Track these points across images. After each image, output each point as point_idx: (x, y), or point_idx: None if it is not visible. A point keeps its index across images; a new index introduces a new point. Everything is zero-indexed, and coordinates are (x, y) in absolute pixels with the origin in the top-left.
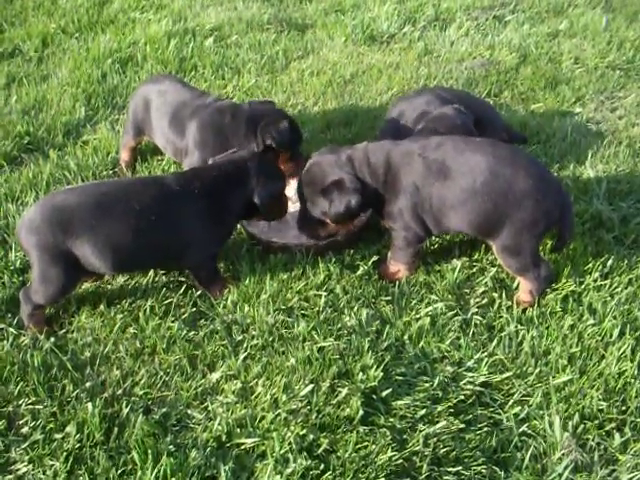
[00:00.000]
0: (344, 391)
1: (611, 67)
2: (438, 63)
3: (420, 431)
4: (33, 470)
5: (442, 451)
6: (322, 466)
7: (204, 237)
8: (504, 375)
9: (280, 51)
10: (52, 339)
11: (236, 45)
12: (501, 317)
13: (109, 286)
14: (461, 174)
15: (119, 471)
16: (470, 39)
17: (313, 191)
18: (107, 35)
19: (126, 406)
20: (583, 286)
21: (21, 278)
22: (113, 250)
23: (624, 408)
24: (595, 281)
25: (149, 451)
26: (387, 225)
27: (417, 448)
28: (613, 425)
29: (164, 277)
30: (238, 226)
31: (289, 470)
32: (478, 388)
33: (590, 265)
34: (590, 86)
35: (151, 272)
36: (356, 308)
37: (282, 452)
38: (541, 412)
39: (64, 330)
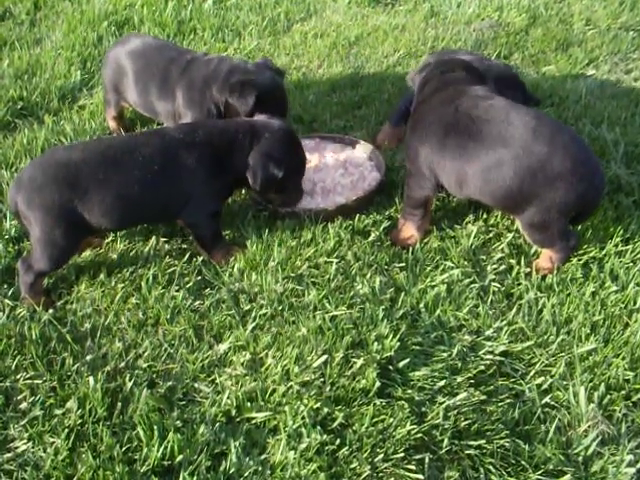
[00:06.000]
0: (359, 362)
1: (624, 28)
2: (445, 25)
3: (440, 403)
4: (33, 448)
5: (463, 424)
6: (338, 441)
7: (202, 188)
8: (525, 344)
9: (282, 13)
10: (50, 310)
11: (236, 7)
12: (520, 284)
13: (109, 254)
14: (490, 140)
15: (123, 448)
16: (477, 0)
17: None
18: None
19: (129, 380)
20: (604, 252)
21: (16, 247)
22: (120, 204)
23: None
24: (616, 247)
25: (155, 427)
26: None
27: (437, 421)
28: None
29: (167, 245)
30: (243, 191)
31: (303, 445)
32: (498, 358)
33: (611, 230)
34: (603, 48)
35: (153, 239)
36: (369, 275)
37: (295, 427)
38: (565, 383)
39: (63, 301)
